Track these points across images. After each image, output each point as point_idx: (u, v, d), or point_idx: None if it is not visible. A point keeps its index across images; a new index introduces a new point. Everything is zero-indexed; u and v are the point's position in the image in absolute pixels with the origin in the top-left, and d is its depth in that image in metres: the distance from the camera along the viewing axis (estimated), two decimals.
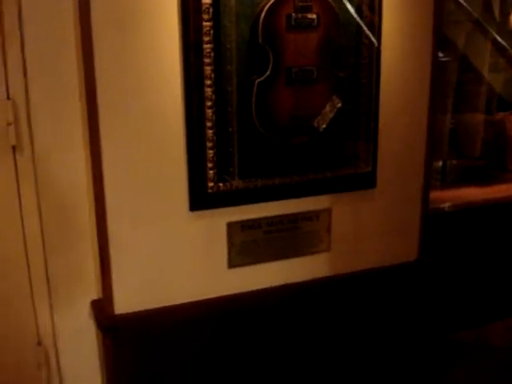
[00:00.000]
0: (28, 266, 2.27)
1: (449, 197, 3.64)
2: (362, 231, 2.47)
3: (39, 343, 2.44)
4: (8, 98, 2.07)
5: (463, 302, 3.46)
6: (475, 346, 3.43)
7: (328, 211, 2.37)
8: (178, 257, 2.16)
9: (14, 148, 2.14)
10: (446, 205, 3.51)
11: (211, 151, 2.06)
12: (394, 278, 2.59)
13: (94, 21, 1.84)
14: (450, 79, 3.96)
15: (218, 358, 2.32)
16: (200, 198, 2.10)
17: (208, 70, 1.98)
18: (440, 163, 4.07)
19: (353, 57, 2.21)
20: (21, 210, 2.18)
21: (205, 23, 1.93)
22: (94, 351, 2.39)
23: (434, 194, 3.39)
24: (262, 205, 2.23)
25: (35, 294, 2.37)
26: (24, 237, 2.22)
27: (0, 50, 2.05)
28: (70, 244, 2.29)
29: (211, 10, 1.93)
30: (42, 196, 2.18)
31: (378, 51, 2.21)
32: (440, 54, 3.63)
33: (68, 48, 2.03)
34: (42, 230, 2.22)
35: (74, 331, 2.40)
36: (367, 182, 2.37)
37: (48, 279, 2.31)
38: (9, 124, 2.10)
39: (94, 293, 2.30)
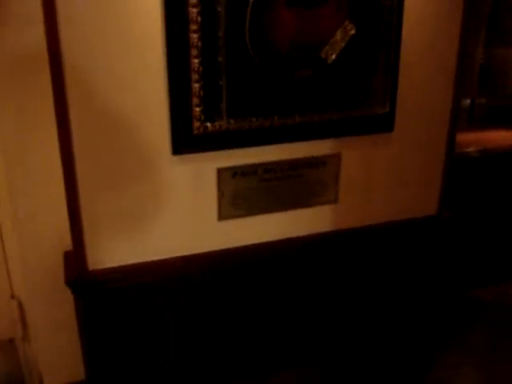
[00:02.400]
0: None
1: (475, 140, 3.30)
2: (375, 180, 2.16)
3: (12, 296, 2.27)
4: None
5: (483, 258, 3.21)
6: (494, 305, 3.19)
7: (336, 157, 2.05)
8: (160, 207, 1.88)
9: None
10: (472, 149, 3.16)
11: (197, 84, 1.73)
12: (409, 234, 2.30)
13: None
14: (482, 11, 3.52)
15: (205, 320, 2.08)
16: (184, 140, 1.80)
17: None
18: (467, 102, 3.68)
19: None
20: None
21: None
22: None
23: (459, 137, 3.05)
24: (258, 149, 1.93)
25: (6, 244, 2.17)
26: None
27: None
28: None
29: None
30: None
31: None
32: None
33: None
34: None
35: (47, 285, 2.19)
36: (383, 124, 2.03)
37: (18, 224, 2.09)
38: None
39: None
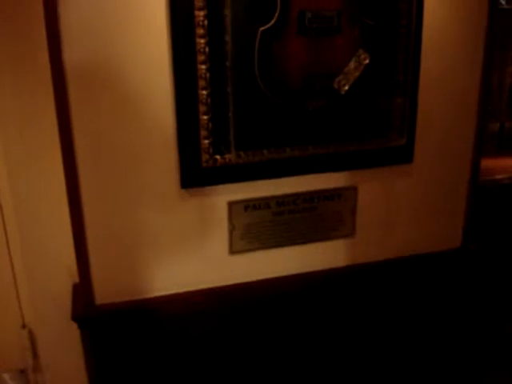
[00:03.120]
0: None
1: (504, 166, 3.18)
2: (394, 213, 2.07)
3: (23, 326, 2.22)
4: None
5: None
6: None
7: (353, 189, 1.97)
8: (169, 241, 1.83)
9: None
10: (501, 176, 3.05)
11: (205, 117, 1.68)
12: (432, 268, 2.20)
13: None
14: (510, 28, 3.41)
15: (214, 357, 2.00)
16: (193, 174, 1.74)
17: (200, 15, 1.58)
18: (497, 126, 3.57)
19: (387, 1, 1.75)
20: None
21: None
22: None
23: (487, 163, 2.95)
24: (271, 181, 1.86)
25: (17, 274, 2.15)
26: None
27: None
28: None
29: None
30: None
31: None
32: (502, 1, 3.12)
33: None
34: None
35: (58, 314, 2.15)
36: (402, 156, 1.95)
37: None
38: None
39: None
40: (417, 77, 1.86)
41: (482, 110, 2.08)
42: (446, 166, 2.11)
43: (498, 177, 3.05)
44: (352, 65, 1.71)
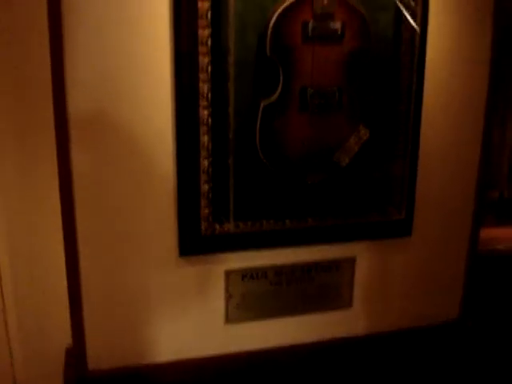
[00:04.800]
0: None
1: (504, 236, 3.17)
2: (392, 286, 2.06)
3: None
4: None
5: None
6: None
7: (351, 261, 1.97)
8: (165, 308, 1.82)
9: None
10: (501, 246, 3.03)
11: (206, 186, 1.70)
12: (429, 341, 2.16)
13: None
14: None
15: None
16: (192, 241, 1.75)
17: (204, 87, 1.62)
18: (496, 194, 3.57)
19: (387, 77, 1.79)
20: None
21: (201, 31, 1.57)
22: None
23: (487, 233, 2.93)
24: (269, 251, 1.86)
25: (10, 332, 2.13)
26: None
27: None
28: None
29: (209, 14, 1.56)
30: None
31: (420, 69, 1.78)
32: None
33: None
34: None
35: (50, 379, 2.11)
36: (400, 229, 1.95)
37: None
38: None
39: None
40: (416, 151, 1.88)
41: (482, 181, 2.09)
42: (445, 238, 2.11)
43: (499, 247, 3.03)
44: (352, 140, 1.73)
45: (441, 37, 1.86)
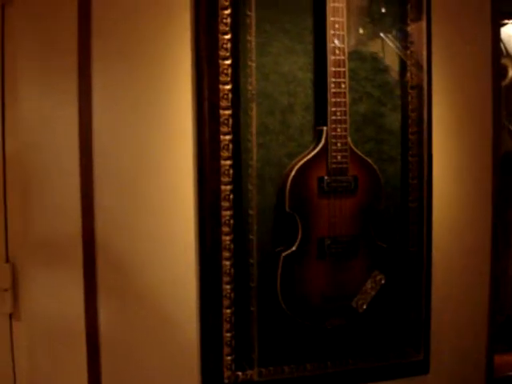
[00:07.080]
0: None
1: None
2: None
3: None
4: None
5: None
6: None
7: None
8: None
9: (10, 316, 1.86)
10: None
11: (228, 334, 1.74)
12: None
13: None
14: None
15: None
16: None
17: (227, 239, 1.71)
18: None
19: (398, 225, 1.91)
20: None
21: (223, 187, 1.69)
22: None
23: (498, 360, 2.93)
24: None
25: None
26: None
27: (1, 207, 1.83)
28: None
29: (231, 171, 1.69)
30: None
31: (428, 217, 1.89)
32: None
33: None
34: None
35: None
36: (418, 368, 1.97)
37: None
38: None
39: None
40: (429, 296, 1.95)
41: (492, 308, 2.15)
42: (461, 370, 2.13)
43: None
44: (369, 285, 1.80)
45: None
